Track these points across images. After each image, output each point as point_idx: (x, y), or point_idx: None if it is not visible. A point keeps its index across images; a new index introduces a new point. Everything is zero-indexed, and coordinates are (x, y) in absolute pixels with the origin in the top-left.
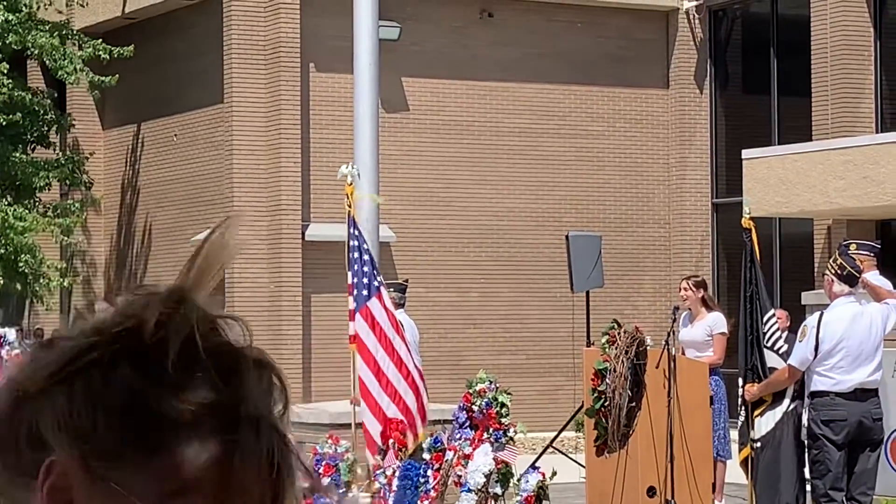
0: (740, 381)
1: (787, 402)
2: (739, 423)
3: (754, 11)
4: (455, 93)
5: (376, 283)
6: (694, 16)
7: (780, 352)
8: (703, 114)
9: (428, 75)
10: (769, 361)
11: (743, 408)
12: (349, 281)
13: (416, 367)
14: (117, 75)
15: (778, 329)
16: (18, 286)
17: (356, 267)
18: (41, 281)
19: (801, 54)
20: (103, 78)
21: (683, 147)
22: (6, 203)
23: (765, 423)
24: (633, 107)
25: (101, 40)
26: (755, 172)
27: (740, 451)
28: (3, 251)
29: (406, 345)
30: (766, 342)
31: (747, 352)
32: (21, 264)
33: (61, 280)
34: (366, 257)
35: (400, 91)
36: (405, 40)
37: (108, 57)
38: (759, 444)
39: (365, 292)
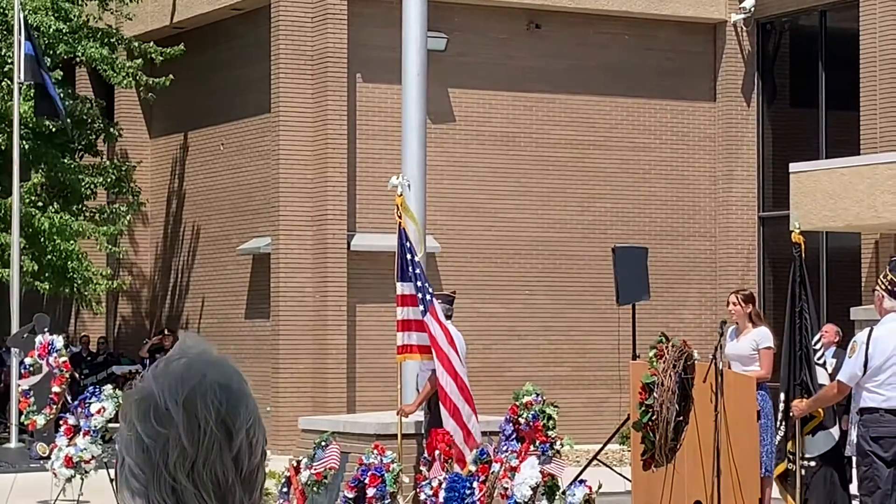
0: (781, 396)
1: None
2: (778, 438)
3: (802, 24)
4: (501, 104)
5: (429, 297)
6: (742, 28)
7: (826, 367)
8: (751, 127)
9: (474, 86)
10: (819, 378)
11: (783, 423)
12: (403, 291)
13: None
14: (171, 75)
15: (821, 345)
16: (67, 291)
17: (415, 278)
18: (89, 286)
19: (850, 67)
20: (157, 79)
21: (730, 160)
22: (53, 210)
23: (821, 443)
24: (679, 119)
25: (152, 43)
26: (802, 186)
27: (776, 465)
28: (51, 257)
29: (459, 356)
30: (818, 359)
31: (796, 367)
32: (70, 271)
33: (109, 283)
34: (418, 270)
35: (446, 102)
36: (452, 51)
37: (160, 58)
38: (812, 463)
39: (422, 307)
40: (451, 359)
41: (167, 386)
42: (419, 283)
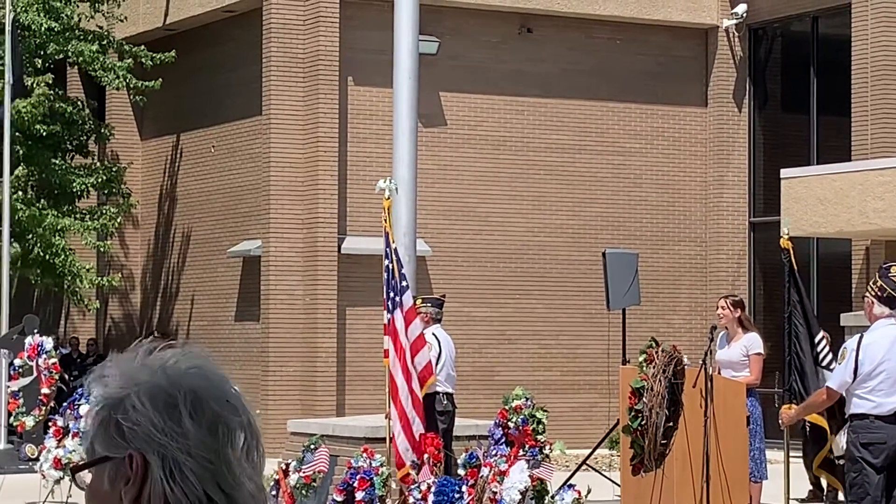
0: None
1: None
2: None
3: (794, 30)
4: (493, 108)
5: (399, 299)
6: (734, 34)
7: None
8: (742, 132)
9: (466, 90)
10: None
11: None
12: (385, 296)
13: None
14: (160, 79)
15: (827, 348)
16: (55, 287)
17: (387, 285)
18: (77, 282)
19: (841, 74)
20: (147, 83)
21: (721, 165)
22: (41, 207)
23: (844, 443)
24: (671, 124)
25: (142, 47)
26: (793, 192)
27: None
28: (37, 251)
29: (402, 372)
30: (821, 362)
31: (785, 373)
32: (58, 266)
33: (98, 279)
34: (393, 279)
35: (438, 105)
36: (443, 55)
37: (150, 63)
38: (843, 462)
39: (388, 315)
40: (395, 377)
41: (220, 380)
42: (387, 290)
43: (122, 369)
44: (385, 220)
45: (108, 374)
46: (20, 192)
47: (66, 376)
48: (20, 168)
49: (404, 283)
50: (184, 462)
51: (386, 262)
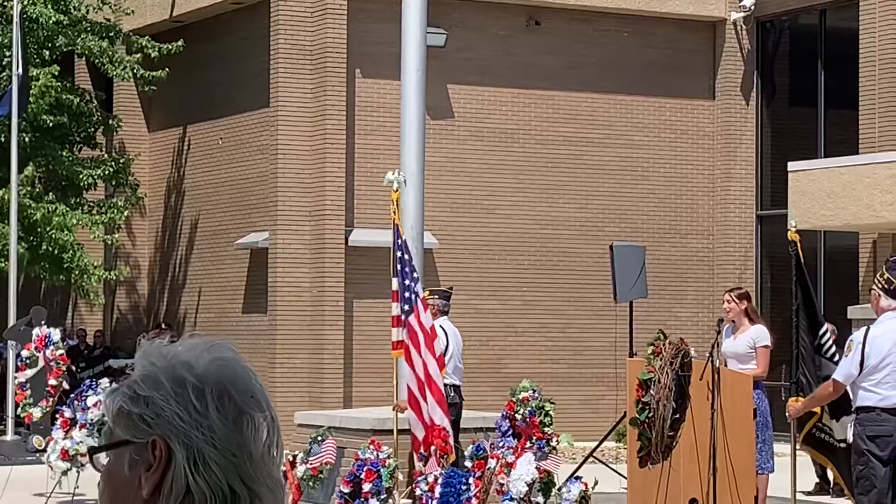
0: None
1: None
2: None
3: (802, 23)
4: (500, 100)
5: (414, 296)
6: (741, 27)
7: (836, 362)
8: (749, 125)
9: (473, 83)
10: (826, 372)
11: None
12: (394, 288)
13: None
14: (168, 69)
15: (831, 340)
16: (63, 280)
17: (404, 276)
18: (84, 277)
19: (849, 67)
20: (154, 73)
21: (728, 158)
22: (48, 200)
23: (846, 428)
24: (678, 117)
25: (149, 38)
26: (800, 185)
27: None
28: (46, 247)
29: (435, 359)
30: (825, 354)
31: (792, 366)
32: (65, 261)
33: (105, 273)
34: (406, 268)
35: (445, 98)
36: (451, 47)
37: (157, 54)
38: (843, 445)
39: (407, 307)
40: (427, 365)
41: (246, 374)
42: (406, 282)
43: (149, 356)
44: (394, 213)
45: (139, 360)
46: (28, 188)
47: (74, 368)
48: (29, 168)
49: (415, 275)
50: (209, 454)
51: (399, 253)
